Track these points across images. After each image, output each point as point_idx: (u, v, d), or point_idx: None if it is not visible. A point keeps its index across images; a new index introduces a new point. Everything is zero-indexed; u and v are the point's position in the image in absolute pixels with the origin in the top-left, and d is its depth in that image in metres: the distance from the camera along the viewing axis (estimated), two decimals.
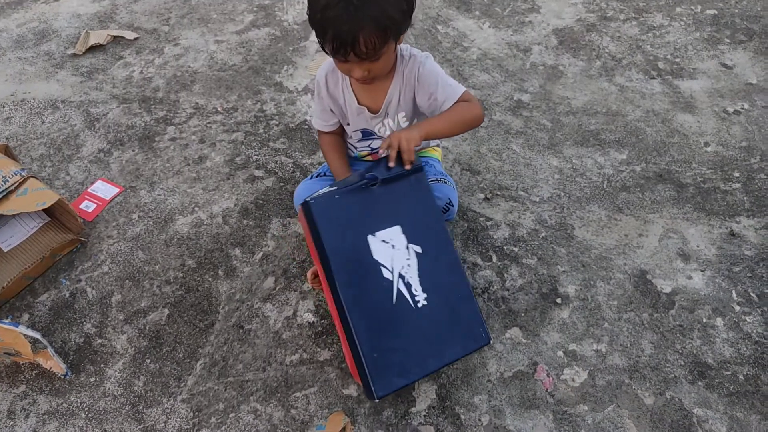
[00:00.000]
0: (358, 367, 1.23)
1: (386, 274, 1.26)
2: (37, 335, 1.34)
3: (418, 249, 1.31)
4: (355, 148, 1.65)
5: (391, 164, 1.32)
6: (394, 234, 1.30)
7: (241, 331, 1.51)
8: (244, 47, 2.38)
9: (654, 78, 2.28)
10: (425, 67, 1.45)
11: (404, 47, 1.46)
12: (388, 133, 1.59)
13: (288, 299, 1.57)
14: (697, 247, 1.69)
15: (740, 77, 2.27)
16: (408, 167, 1.32)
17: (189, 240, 1.71)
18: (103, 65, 2.29)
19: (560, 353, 1.46)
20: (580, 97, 2.19)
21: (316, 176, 1.65)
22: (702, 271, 1.62)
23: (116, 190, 1.83)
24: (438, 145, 1.75)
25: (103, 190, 1.83)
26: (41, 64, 2.29)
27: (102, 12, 2.56)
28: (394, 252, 1.28)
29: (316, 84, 1.53)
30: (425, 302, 1.27)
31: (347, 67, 1.33)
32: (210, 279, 1.62)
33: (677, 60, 2.36)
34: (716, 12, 2.60)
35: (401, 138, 1.32)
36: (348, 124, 1.60)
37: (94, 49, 2.35)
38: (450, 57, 2.35)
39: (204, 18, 2.53)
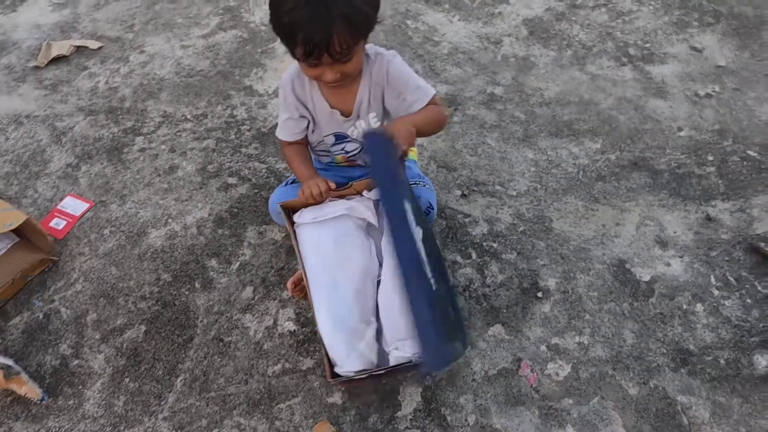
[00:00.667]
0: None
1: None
2: (9, 362, 1.31)
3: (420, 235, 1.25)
4: (329, 152, 1.62)
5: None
6: (410, 215, 1.25)
7: (221, 344, 1.48)
8: (211, 51, 2.34)
9: (625, 65, 2.28)
10: (394, 66, 1.43)
11: (369, 46, 1.43)
12: (359, 134, 1.57)
13: (268, 309, 1.55)
14: (674, 233, 1.70)
15: (710, 60, 2.29)
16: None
17: (163, 253, 1.67)
18: (67, 77, 2.23)
19: (543, 348, 1.46)
20: (552, 87, 2.19)
21: (291, 182, 1.63)
22: (680, 257, 1.63)
23: (86, 206, 1.78)
24: (413, 145, 1.73)
25: (73, 206, 1.78)
26: (2, 78, 2.23)
27: (63, 21, 2.49)
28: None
29: (282, 92, 1.48)
30: (436, 288, 1.22)
31: (318, 72, 1.29)
32: (187, 292, 1.59)
33: (647, 45, 2.36)
34: None
35: (410, 132, 1.31)
36: (314, 132, 1.57)
37: (57, 60, 2.29)
38: (421, 52, 2.34)
39: (168, 23, 2.48)
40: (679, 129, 2.02)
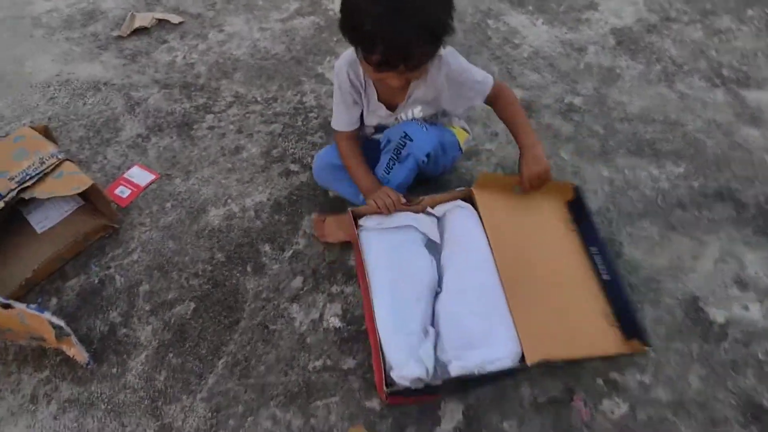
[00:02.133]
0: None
1: None
2: (62, 323, 1.32)
3: None
4: (368, 138, 1.61)
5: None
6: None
7: (265, 331, 1.46)
8: (287, 36, 2.33)
9: (718, 86, 2.13)
10: (452, 68, 1.40)
11: None
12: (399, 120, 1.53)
13: (315, 301, 1.52)
14: (756, 274, 1.56)
15: None
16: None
17: (220, 233, 1.67)
18: (146, 48, 2.27)
19: (600, 382, 1.37)
20: (636, 102, 2.06)
21: None
22: (760, 301, 1.50)
23: (152, 177, 1.81)
24: (466, 129, 1.67)
25: (139, 176, 1.81)
26: (87, 45, 2.29)
27: None
28: None
29: (338, 80, 1.47)
30: None
31: (383, 76, 1.26)
32: (238, 274, 1.58)
33: (744, 68, 2.20)
34: None
35: (538, 178, 1.45)
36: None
37: (138, 31, 2.33)
38: (499, 54, 2.25)
39: (249, 4, 2.49)
40: None
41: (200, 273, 1.58)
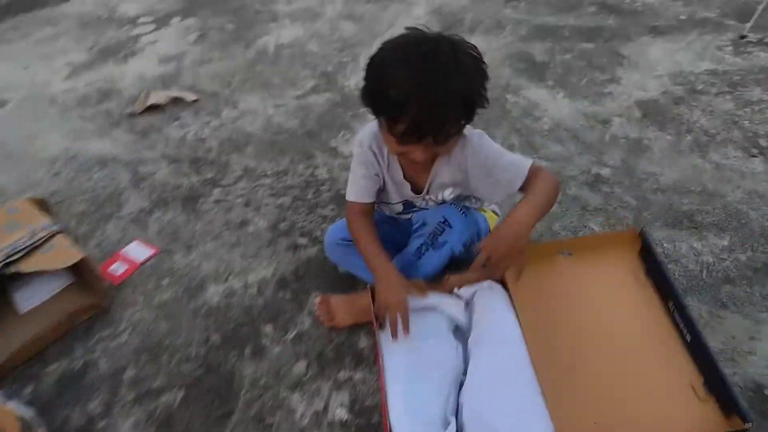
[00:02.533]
0: None
1: None
2: (31, 413, 1.17)
3: None
4: (393, 218, 1.48)
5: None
6: None
7: (261, 424, 1.28)
8: (302, 111, 2.29)
9: (755, 156, 1.99)
10: (480, 146, 1.25)
11: None
12: (430, 206, 1.41)
13: (319, 389, 1.34)
14: None
15: None
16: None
17: (218, 311, 1.53)
18: (159, 125, 2.24)
19: None
20: (668, 173, 1.93)
21: None
22: None
23: (150, 252, 1.70)
24: (496, 212, 1.54)
25: (137, 251, 1.70)
26: (99, 122, 2.27)
27: (166, 74, 2.56)
28: None
29: (359, 149, 1.34)
30: None
31: (406, 149, 1.12)
32: (234, 358, 1.42)
33: None
34: None
35: (500, 256, 1.14)
36: (382, 191, 1.42)
37: (152, 109, 2.32)
38: (519, 126, 2.16)
39: (266, 83, 2.48)
40: None
41: (193, 356, 1.43)
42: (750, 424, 1.09)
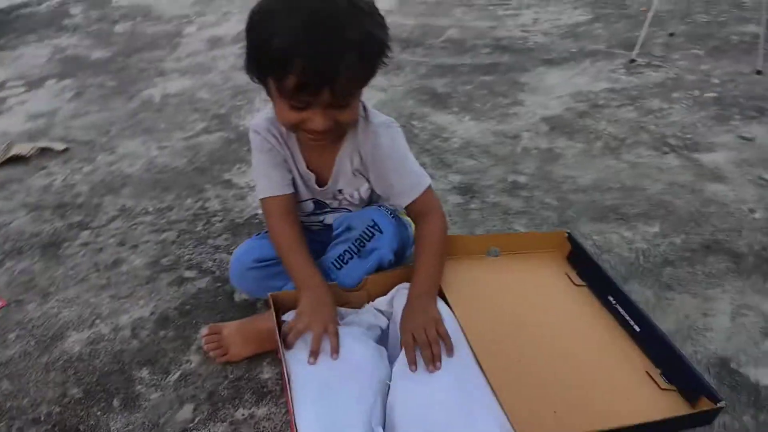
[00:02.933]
0: None
1: None
2: None
3: None
4: (304, 222, 1.24)
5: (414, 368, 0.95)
6: None
7: None
8: (191, 151, 2.06)
9: (668, 153, 1.96)
10: (382, 140, 1.10)
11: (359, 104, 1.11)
12: (345, 205, 1.21)
13: None
14: None
15: (765, 147, 1.96)
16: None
17: (79, 362, 1.21)
18: (21, 177, 1.94)
19: None
20: (586, 175, 1.84)
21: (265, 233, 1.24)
22: None
23: None
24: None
25: None
26: None
27: (35, 129, 2.28)
28: None
29: (258, 137, 1.14)
30: None
31: (303, 117, 0.95)
32: (99, 413, 1.09)
33: (689, 136, 2.06)
34: (716, 95, 2.38)
35: (423, 330, 0.98)
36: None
37: (15, 161, 2.01)
38: (429, 147, 2.04)
39: (149, 129, 2.25)
40: (752, 211, 1.63)
41: (42, 418, 1.09)
42: (723, 402, 0.91)
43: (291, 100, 0.93)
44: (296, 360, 0.95)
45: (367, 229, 1.12)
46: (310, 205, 1.23)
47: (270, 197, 1.14)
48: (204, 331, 1.19)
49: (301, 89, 0.89)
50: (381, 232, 1.12)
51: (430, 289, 1.08)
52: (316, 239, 1.26)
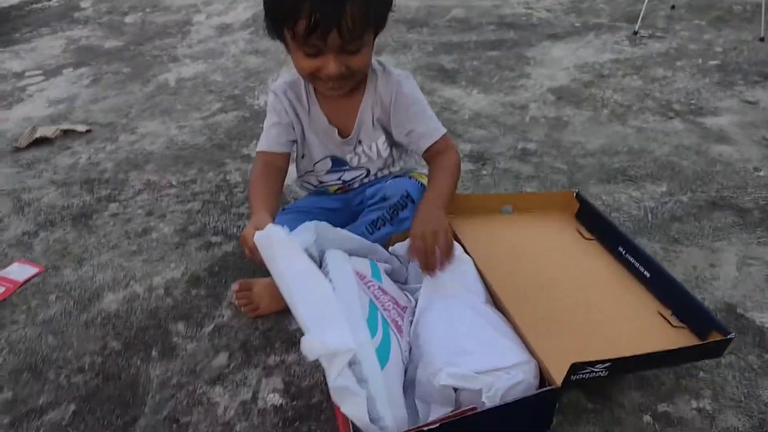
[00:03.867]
0: None
1: None
2: None
3: None
4: (322, 182, 1.32)
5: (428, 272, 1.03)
6: None
7: (175, 426, 1.03)
8: (209, 129, 2.13)
9: (672, 118, 2.01)
10: (406, 86, 1.18)
11: (375, 60, 1.19)
12: (363, 163, 1.28)
13: (246, 378, 1.11)
14: None
15: None
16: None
17: (117, 318, 1.28)
18: (47, 156, 2.00)
19: (648, 419, 0.98)
20: (594, 141, 1.89)
21: (283, 209, 1.31)
22: None
23: (34, 271, 1.43)
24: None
25: (18, 272, 1.43)
26: None
27: (56, 113, 2.34)
28: None
29: (273, 96, 1.24)
30: None
31: (318, 63, 1.03)
32: (139, 362, 1.16)
33: (693, 102, 2.11)
34: (719, 62, 2.42)
35: (432, 235, 1.02)
36: (304, 156, 1.30)
37: (40, 142, 2.08)
38: (439, 119, 2.08)
39: (167, 110, 2.31)
40: (756, 169, 1.68)
41: (87, 367, 1.16)
42: (733, 334, 0.96)
43: (304, 46, 1.01)
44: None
45: (401, 198, 1.18)
46: (327, 163, 1.30)
47: (262, 151, 1.22)
48: (235, 286, 1.25)
49: (311, 32, 0.97)
50: (413, 202, 1.18)
51: (442, 202, 1.10)
52: (335, 202, 1.33)
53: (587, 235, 1.33)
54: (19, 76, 2.81)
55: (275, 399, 1.06)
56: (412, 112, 1.19)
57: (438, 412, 0.81)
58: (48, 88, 2.63)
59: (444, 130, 1.21)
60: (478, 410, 0.77)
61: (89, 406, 1.08)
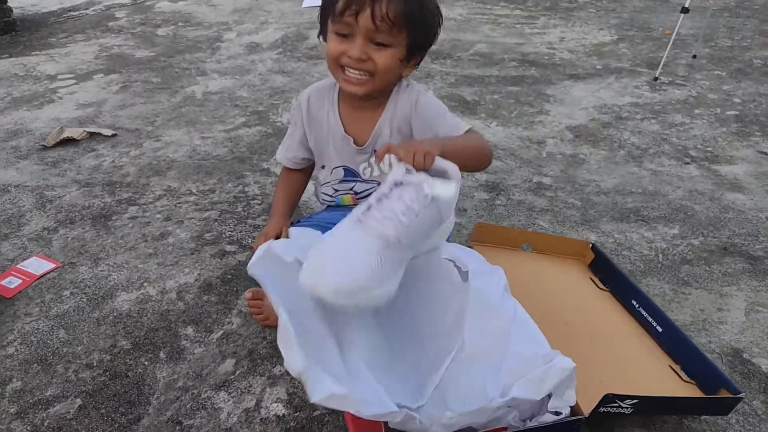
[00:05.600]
0: None
1: None
2: None
3: None
4: (336, 191, 1.35)
5: (388, 169, 0.98)
6: None
7: (178, 428, 1.04)
8: (231, 142, 2.17)
9: (688, 163, 2.02)
10: (425, 97, 1.22)
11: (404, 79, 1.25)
12: (375, 175, 1.32)
13: (250, 386, 1.12)
14: None
15: None
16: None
17: (128, 318, 1.30)
18: (72, 156, 2.06)
19: None
20: (608, 180, 1.91)
21: (297, 222, 1.35)
22: None
23: (51, 266, 1.46)
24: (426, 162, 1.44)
25: (35, 266, 1.47)
26: (3, 156, 2.06)
27: (84, 116, 2.41)
28: None
29: (296, 108, 1.32)
30: None
31: (346, 46, 1.09)
32: (146, 362, 1.18)
33: (709, 149, 2.13)
34: (737, 113, 2.45)
35: (416, 149, 0.97)
36: (323, 167, 1.34)
37: (66, 143, 2.14)
38: None
39: (192, 121, 2.37)
40: None
41: (95, 363, 1.18)
42: (743, 393, 0.98)
43: (337, 25, 1.07)
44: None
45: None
46: (340, 172, 1.33)
47: (284, 165, 1.40)
48: (248, 294, 1.27)
49: (347, 8, 1.04)
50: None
51: (441, 142, 1.06)
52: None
53: (601, 285, 1.36)
54: (52, 78, 2.89)
55: (278, 409, 1.07)
56: (433, 115, 1.20)
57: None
58: (78, 91, 2.71)
59: (468, 126, 1.20)
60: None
61: (95, 401, 1.09)
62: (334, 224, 1.36)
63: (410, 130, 1.24)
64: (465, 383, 0.98)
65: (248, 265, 1.05)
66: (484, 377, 0.95)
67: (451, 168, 0.96)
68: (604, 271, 1.38)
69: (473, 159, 1.17)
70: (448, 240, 1.31)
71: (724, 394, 1.01)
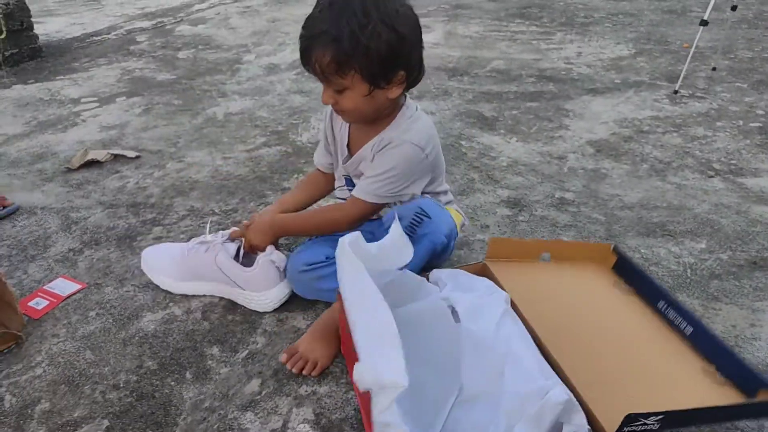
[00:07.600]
0: None
1: None
2: None
3: None
4: (344, 199, 1.40)
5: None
6: None
7: None
8: (252, 161, 2.19)
9: (713, 177, 2.00)
10: (398, 148, 1.22)
11: (410, 105, 1.30)
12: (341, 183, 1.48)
13: (277, 407, 1.11)
14: None
15: None
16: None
17: (154, 338, 1.31)
18: (96, 178, 2.09)
19: None
20: (632, 194, 1.89)
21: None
22: None
23: (77, 287, 1.48)
24: (459, 212, 1.45)
25: (62, 287, 1.48)
26: (30, 179, 2.10)
27: (107, 138, 2.44)
28: None
29: (323, 117, 1.42)
30: None
31: (324, 93, 1.20)
32: (173, 383, 1.18)
33: (733, 162, 2.10)
34: (761, 125, 2.42)
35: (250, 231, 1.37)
36: (336, 172, 1.48)
37: (90, 165, 2.17)
38: (477, 165, 2.12)
39: (214, 141, 2.39)
40: None
41: (122, 384, 1.18)
42: None
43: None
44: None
45: (416, 215, 1.21)
46: (343, 180, 1.42)
47: (315, 161, 1.52)
48: (283, 358, 1.20)
49: (303, 65, 1.14)
50: (429, 217, 1.22)
51: (286, 224, 1.40)
52: (366, 227, 1.37)
53: (625, 287, 1.33)
54: (75, 102, 2.94)
55: (305, 430, 1.06)
56: (377, 165, 1.24)
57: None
58: (101, 114, 2.75)
59: (375, 201, 1.25)
60: None
61: (122, 423, 1.09)
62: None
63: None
64: (468, 427, 0.96)
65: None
66: (485, 420, 0.94)
67: None
68: (628, 273, 1.35)
69: (318, 231, 1.39)
70: (446, 264, 1.34)
71: (763, 396, 0.98)
